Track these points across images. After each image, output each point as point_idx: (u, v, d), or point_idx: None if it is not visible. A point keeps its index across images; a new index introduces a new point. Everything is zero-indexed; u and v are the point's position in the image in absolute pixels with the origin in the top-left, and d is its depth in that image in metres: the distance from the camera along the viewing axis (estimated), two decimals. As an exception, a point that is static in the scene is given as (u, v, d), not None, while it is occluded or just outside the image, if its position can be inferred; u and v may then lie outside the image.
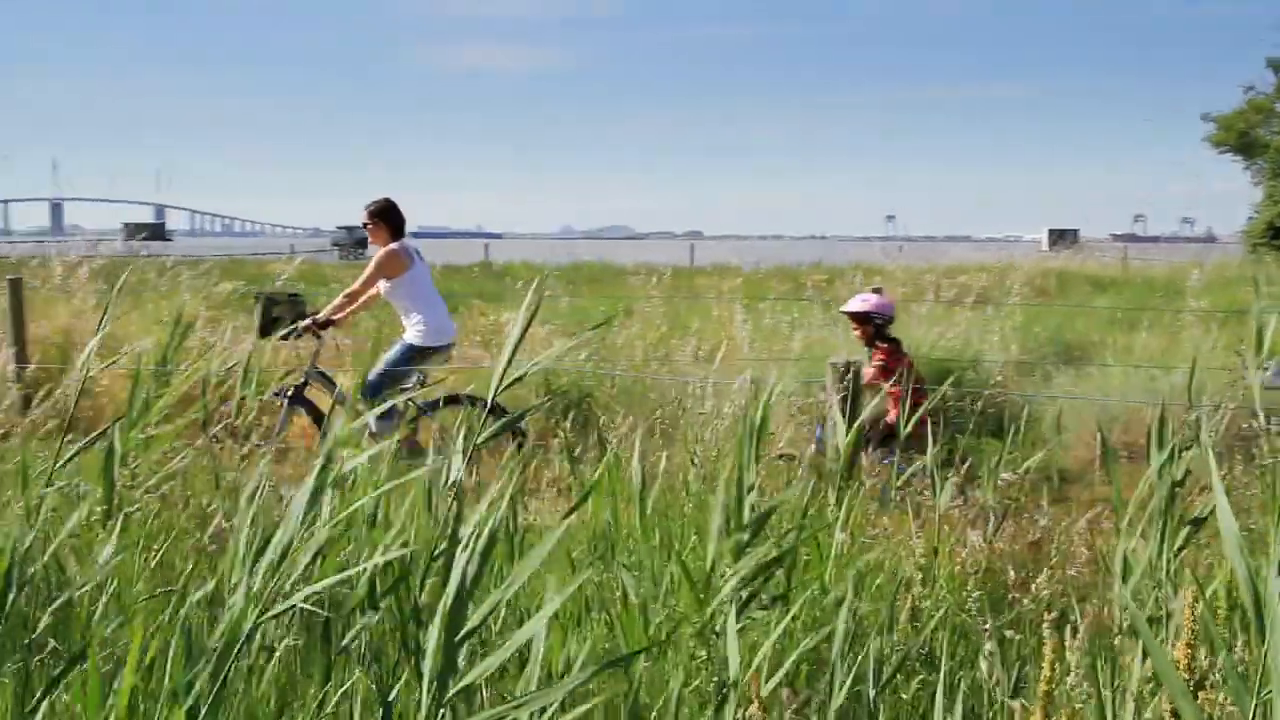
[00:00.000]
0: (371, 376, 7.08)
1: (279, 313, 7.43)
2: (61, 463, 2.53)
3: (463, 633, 1.27)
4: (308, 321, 7.38)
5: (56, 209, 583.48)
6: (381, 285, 7.55)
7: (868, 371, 6.93)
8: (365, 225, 7.71)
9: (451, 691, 1.31)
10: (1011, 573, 3.50)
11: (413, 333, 7.44)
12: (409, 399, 6.92)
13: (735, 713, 1.94)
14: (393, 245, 7.50)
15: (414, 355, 7.33)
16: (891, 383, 6.21)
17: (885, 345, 7.15)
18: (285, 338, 7.30)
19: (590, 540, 3.34)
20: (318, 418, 7.28)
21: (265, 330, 7.23)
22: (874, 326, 7.16)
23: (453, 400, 7.46)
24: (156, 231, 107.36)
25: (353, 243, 71.49)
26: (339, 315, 7.52)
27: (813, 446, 5.76)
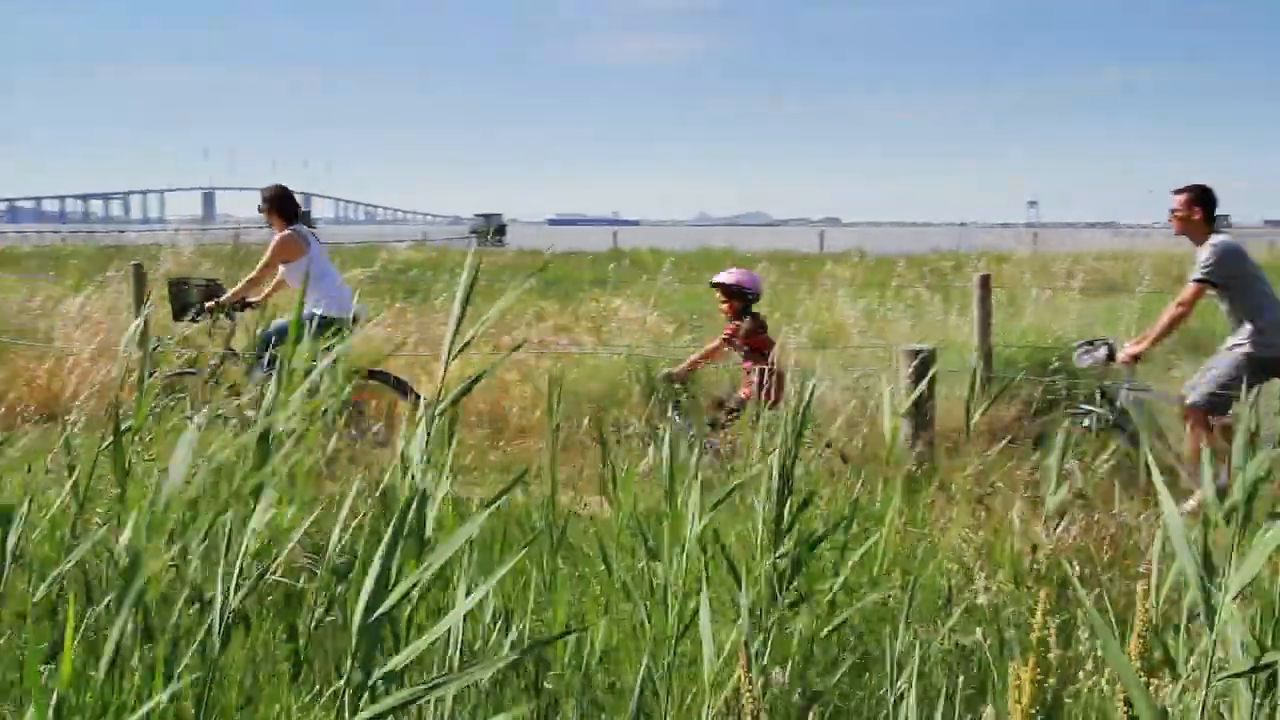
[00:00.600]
0: (270, 330, 7.32)
1: (194, 297, 7.95)
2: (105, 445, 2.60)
3: (376, 615, 1.26)
4: (212, 303, 7.82)
5: (208, 198, 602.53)
6: (281, 268, 8.00)
7: (711, 343, 7.39)
8: (260, 210, 8.20)
9: (376, 675, 1.32)
10: (1076, 568, 3.39)
11: (314, 307, 7.73)
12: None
13: (710, 703, 1.91)
14: (286, 231, 7.96)
15: (312, 320, 7.30)
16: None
17: (747, 321, 7.22)
18: (196, 319, 7.81)
19: (631, 528, 3.32)
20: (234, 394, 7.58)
21: (179, 313, 7.91)
22: (743, 301, 7.28)
23: (373, 376, 7.75)
24: (301, 219, 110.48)
25: (490, 230, 72.60)
26: (251, 298, 8.02)
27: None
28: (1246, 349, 6.61)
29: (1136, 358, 6.83)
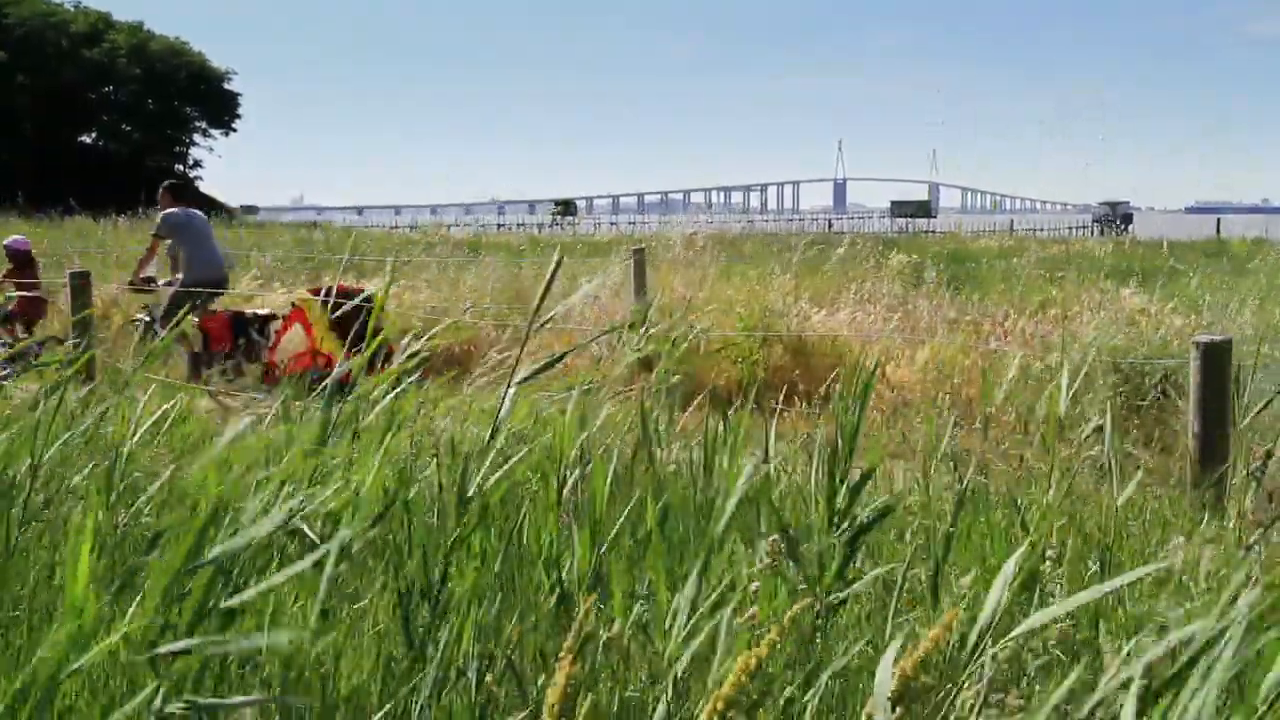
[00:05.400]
0: None
1: None
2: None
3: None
4: None
5: (839, 188, 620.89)
6: None
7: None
8: None
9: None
10: None
11: None
12: None
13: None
14: None
15: None
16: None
17: (18, 271, 12.07)
18: None
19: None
20: None
21: None
22: (10, 254, 12.16)
23: None
24: (921, 208, 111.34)
25: (1117, 218, 69.64)
26: None
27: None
28: (180, 280, 10.45)
29: (130, 284, 11.02)
